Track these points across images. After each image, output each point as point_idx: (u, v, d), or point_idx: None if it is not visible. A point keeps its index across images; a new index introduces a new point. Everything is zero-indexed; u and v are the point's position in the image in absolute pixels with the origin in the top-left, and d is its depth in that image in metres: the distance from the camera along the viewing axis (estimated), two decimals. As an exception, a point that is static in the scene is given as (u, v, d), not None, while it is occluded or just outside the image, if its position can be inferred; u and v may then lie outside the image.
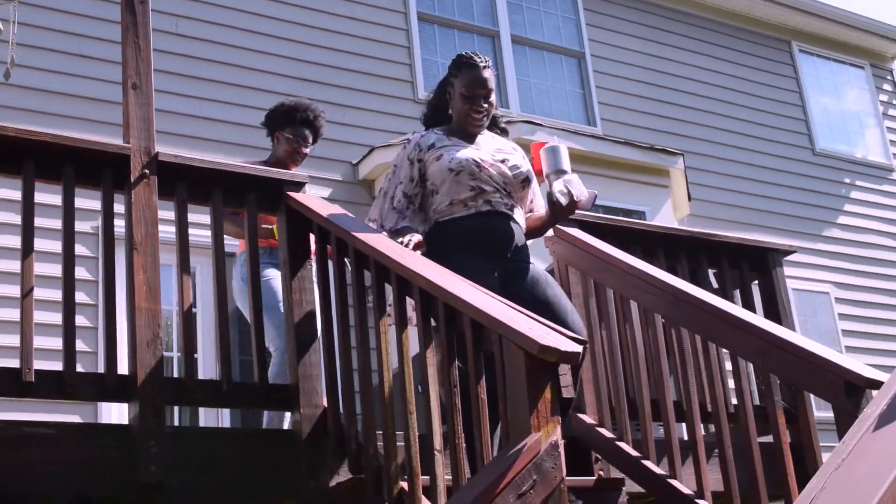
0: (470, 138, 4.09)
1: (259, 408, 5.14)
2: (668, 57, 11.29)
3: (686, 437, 4.57)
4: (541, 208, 4.19)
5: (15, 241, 6.23)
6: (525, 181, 4.06)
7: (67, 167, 3.68)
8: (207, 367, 7.21)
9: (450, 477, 3.17)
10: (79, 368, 3.58)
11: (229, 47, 8.70)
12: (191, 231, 3.90)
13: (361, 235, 3.65)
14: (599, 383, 4.48)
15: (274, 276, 4.98)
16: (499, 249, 3.90)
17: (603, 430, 4.36)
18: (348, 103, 8.91)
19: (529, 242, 4.19)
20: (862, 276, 11.61)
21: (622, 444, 4.30)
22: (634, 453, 4.27)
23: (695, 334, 4.38)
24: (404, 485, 3.38)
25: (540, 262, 4.28)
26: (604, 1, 11.08)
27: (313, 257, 4.11)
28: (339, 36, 9.29)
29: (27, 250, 3.53)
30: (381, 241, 3.60)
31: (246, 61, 8.70)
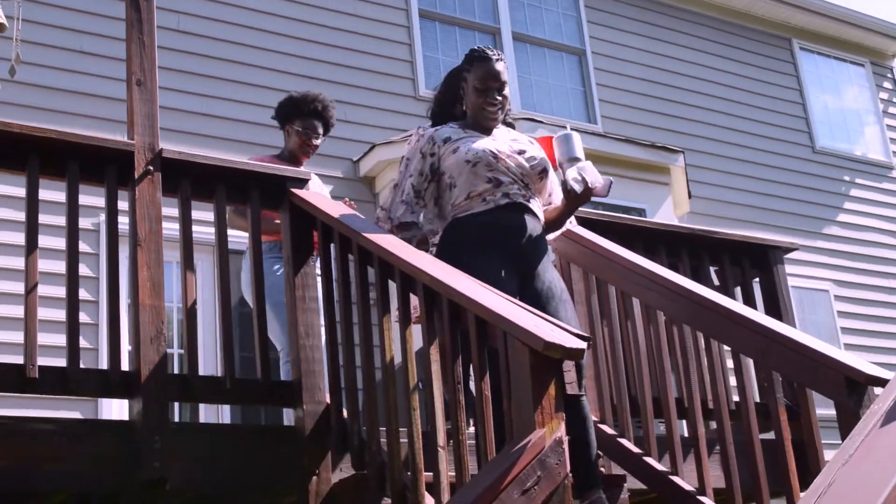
0: (485, 132, 4.05)
1: (262, 404, 5.14)
2: (668, 54, 11.29)
3: (687, 434, 4.59)
4: (559, 200, 4.13)
5: (16, 238, 6.25)
6: (543, 172, 4.01)
7: (72, 163, 3.68)
8: (206, 364, 7.21)
9: (453, 473, 3.18)
10: (81, 365, 3.59)
11: (231, 44, 8.70)
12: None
13: (365, 232, 3.65)
14: (601, 380, 4.49)
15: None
16: (514, 244, 3.84)
17: (605, 427, 4.37)
18: (349, 100, 8.91)
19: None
20: (861, 274, 11.62)
21: (624, 441, 4.31)
22: (636, 450, 4.28)
23: (696, 331, 4.39)
24: (407, 481, 3.39)
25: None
26: (604, -2, 11.10)
27: (315, 254, 4.11)
28: (340, 33, 9.29)
29: (31, 246, 3.54)
30: (385, 238, 3.60)
31: (248, 58, 8.70)
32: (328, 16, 9.28)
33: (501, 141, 4.01)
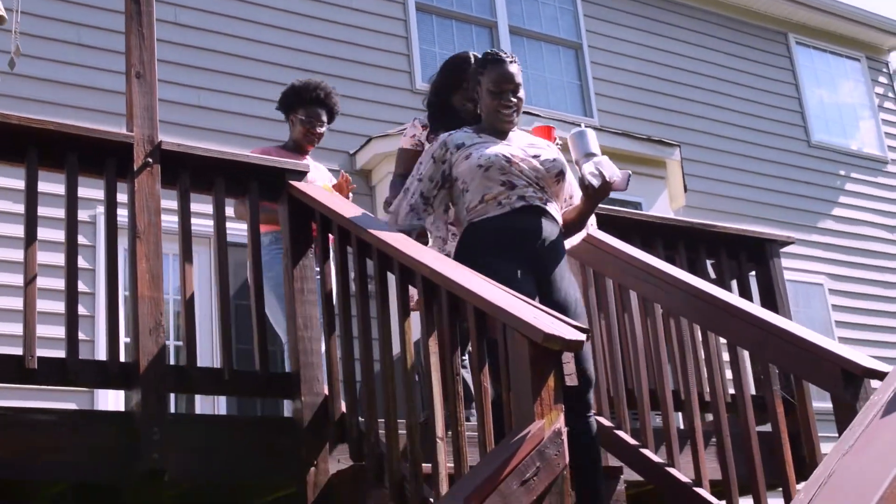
0: (501, 135, 3.99)
1: (260, 396, 5.16)
2: (665, 48, 11.30)
3: (682, 427, 4.61)
4: (579, 199, 4.04)
5: (13, 230, 6.24)
6: (559, 175, 3.93)
7: (71, 155, 3.69)
8: (202, 355, 7.21)
9: (452, 465, 3.19)
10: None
11: (228, 37, 8.69)
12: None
13: (364, 224, 3.66)
14: (598, 373, 4.50)
15: None
16: (530, 247, 3.77)
17: (602, 419, 4.38)
18: (346, 93, 8.87)
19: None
20: (856, 268, 11.64)
21: (621, 433, 4.33)
22: (633, 442, 4.30)
23: (693, 324, 4.41)
24: (406, 472, 3.40)
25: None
26: (601, -8, 11.10)
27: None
28: (337, 26, 9.28)
29: (30, 238, 3.54)
30: (383, 230, 3.61)
31: (244, 51, 8.70)
32: (325, 9, 9.28)
33: (516, 145, 3.95)
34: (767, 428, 4.23)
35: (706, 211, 10.24)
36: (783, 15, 12.35)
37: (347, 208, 3.87)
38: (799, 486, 3.98)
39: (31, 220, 3.56)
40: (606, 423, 4.37)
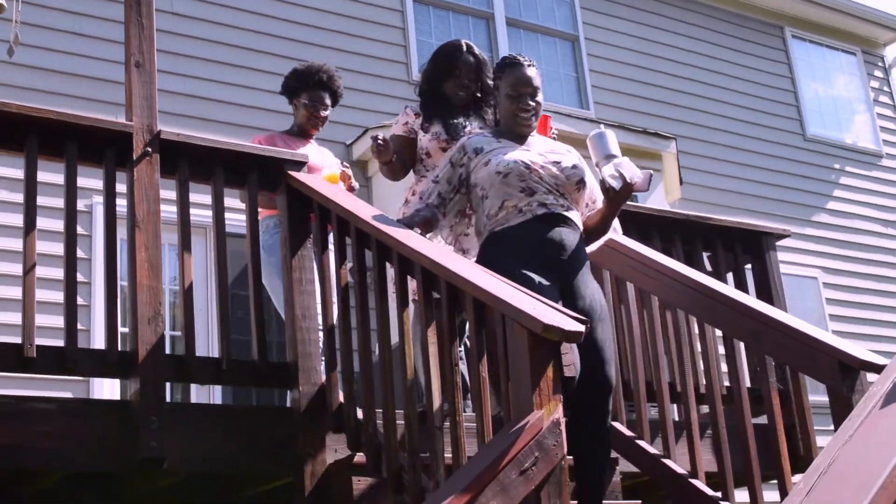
0: (520, 140, 3.95)
1: (258, 386, 5.16)
2: (661, 41, 11.30)
3: (677, 419, 4.62)
4: (602, 203, 3.95)
5: (10, 220, 6.23)
6: (580, 182, 3.87)
7: (70, 144, 3.69)
8: (198, 345, 7.21)
9: (450, 455, 3.20)
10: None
11: (223, 27, 8.68)
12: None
13: (363, 214, 3.66)
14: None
15: None
16: (552, 256, 3.71)
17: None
18: (343, 84, 8.89)
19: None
20: (850, 262, 11.67)
21: (617, 425, 4.34)
22: (629, 433, 4.31)
23: (690, 315, 4.42)
24: (404, 462, 3.41)
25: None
26: (598, -16, 11.10)
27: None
28: (333, 16, 9.27)
29: (29, 227, 3.54)
30: (383, 221, 3.61)
31: (240, 41, 8.69)
32: (322, -1, 9.28)
33: (535, 150, 3.91)
34: (762, 420, 4.24)
35: (701, 203, 10.24)
36: (780, 8, 12.36)
37: (346, 199, 3.88)
38: (794, 478, 4.00)
39: (30, 209, 3.56)
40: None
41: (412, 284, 3.61)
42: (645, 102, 10.82)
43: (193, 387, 7.30)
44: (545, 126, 4.60)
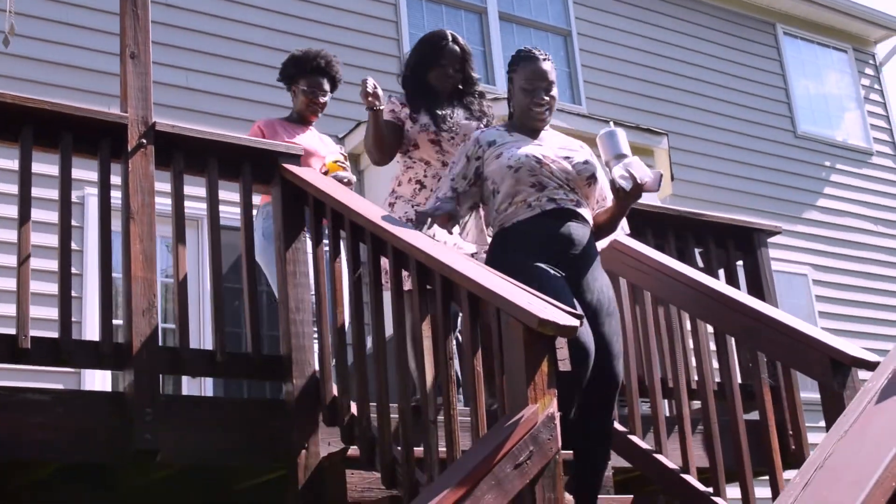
0: (533, 134, 3.95)
1: (252, 378, 5.14)
2: (654, 37, 11.32)
3: (668, 414, 4.64)
4: (611, 202, 3.95)
5: (4, 211, 6.22)
6: (591, 178, 3.87)
7: (65, 135, 3.68)
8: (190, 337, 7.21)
9: (444, 448, 3.21)
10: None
11: (216, 18, 8.66)
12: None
13: (358, 208, 3.67)
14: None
15: None
16: (562, 252, 3.71)
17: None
18: (335, 77, 8.88)
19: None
20: (840, 259, 11.71)
21: (609, 419, 4.36)
22: (621, 428, 4.32)
23: (682, 311, 4.44)
24: (397, 455, 3.42)
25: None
26: (590, -21, 11.10)
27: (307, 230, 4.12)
28: (326, 9, 9.27)
29: (24, 218, 3.54)
30: (377, 214, 3.61)
31: (232, 33, 8.68)
32: (315, -8, 9.26)
33: (548, 146, 3.90)
34: (753, 416, 4.27)
35: (692, 200, 10.26)
36: (772, 5, 12.38)
37: (340, 191, 3.88)
38: (785, 474, 4.03)
39: (25, 200, 3.55)
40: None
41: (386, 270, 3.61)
42: (637, 98, 10.84)
43: (184, 380, 7.30)
44: None
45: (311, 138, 5.25)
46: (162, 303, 7.51)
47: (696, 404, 4.52)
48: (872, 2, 13.52)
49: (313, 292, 4.01)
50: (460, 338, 4.44)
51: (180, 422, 3.65)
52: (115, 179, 3.78)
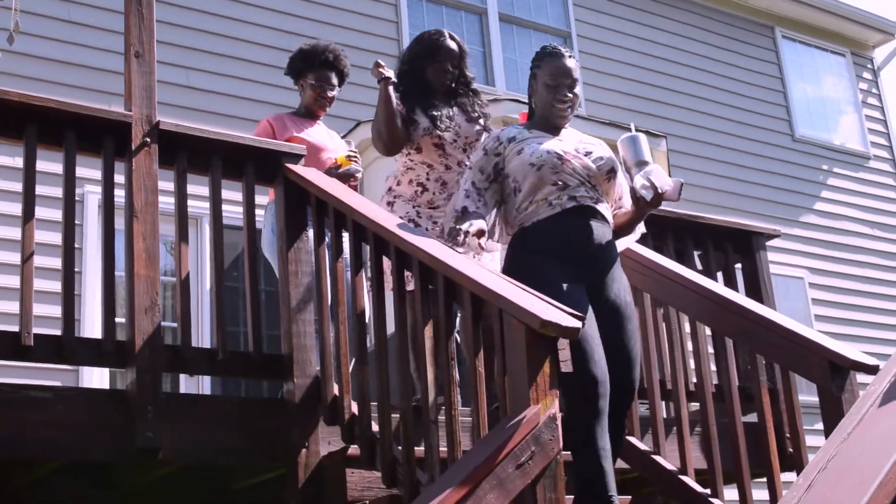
0: (554, 131, 3.93)
1: (253, 377, 5.15)
2: (653, 39, 11.33)
3: (666, 416, 4.65)
4: (629, 204, 3.93)
5: (7, 209, 6.22)
6: (610, 172, 3.85)
7: (69, 133, 3.69)
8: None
9: (445, 449, 3.23)
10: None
11: (217, 17, 8.67)
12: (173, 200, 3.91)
13: (360, 208, 3.68)
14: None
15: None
16: (582, 251, 3.70)
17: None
18: (335, 77, 8.89)
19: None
20: (836, 263, 11.73)
21: (608, 421, 4.37)
22: (620, 429, 4.34)
23: (681, 313, 4.45)
24: (398, 455, 3.43)
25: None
26: (590, -19, 11.12)
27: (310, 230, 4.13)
28: (327, 9, 9.28)
29: (28, 216, 3.55)
30: (380, 214, 3.63)
31: (233, 32, 8.69)
32: (315, -9, 9.28)
33: (568, 142, 3.89)
34: (752, 418, 4.28)
35: (689, 203, 10.25)
36: (770, 9, 12.40)
37: (343, 191, 3.89)
38: (783, 476, 4.05)
39: (28, 198, 3.56)
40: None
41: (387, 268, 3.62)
42: (635, 100, 10.85)
43: (182, 378, 7.30)
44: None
45: (319, 133, 5.25)
46: (162, 301, 7.52)
47: (695, 406, 4.53)
48: (870, 6, 13.55)
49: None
50: (458, 338, 4.46)
51: (181, 420, 3.67)
52: (119, 178, 3.80)
